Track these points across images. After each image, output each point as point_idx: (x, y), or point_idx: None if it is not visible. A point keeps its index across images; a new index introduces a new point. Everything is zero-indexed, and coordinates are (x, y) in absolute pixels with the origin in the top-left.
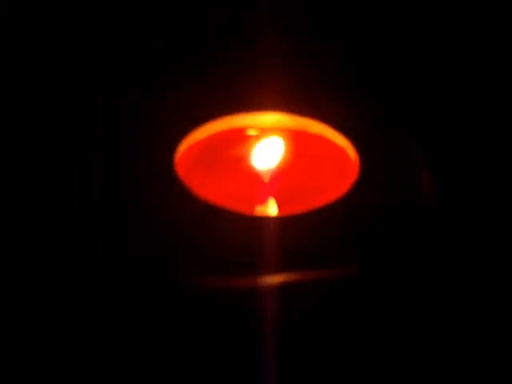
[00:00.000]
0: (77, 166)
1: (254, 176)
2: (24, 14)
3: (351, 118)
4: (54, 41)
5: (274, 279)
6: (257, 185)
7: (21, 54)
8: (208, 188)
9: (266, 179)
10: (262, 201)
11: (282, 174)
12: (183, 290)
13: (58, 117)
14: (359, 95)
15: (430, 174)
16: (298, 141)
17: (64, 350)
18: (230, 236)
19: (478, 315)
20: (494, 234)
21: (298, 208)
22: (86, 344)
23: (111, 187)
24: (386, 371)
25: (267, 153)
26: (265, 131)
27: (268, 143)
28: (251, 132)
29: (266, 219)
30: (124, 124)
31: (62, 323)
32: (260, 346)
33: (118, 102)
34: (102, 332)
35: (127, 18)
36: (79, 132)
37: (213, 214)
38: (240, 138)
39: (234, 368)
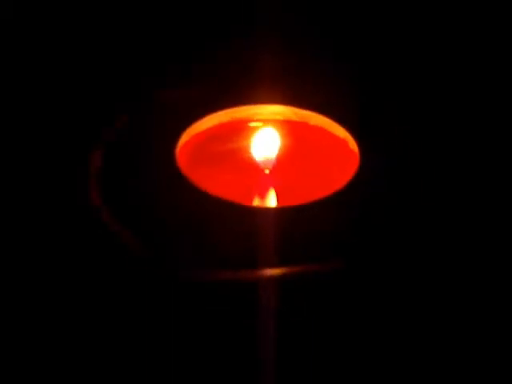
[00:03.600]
0: (77, 159)
1: (254, 168)
2: (24, 13)
3: (352, 110)
4: (54, 41)
5: (273, 271)
6: (257, 176)
7: (21, 53)
8: (209, 180)
9: (267, 171)
10: (262, 192)
11: (282, 165)
12: (183, 282)
13: (59, 114)
14: (360, 87)
15: (430, 168)
16: (298, 133)
17: (65, 349)
18: (230, 227)
19: (473, 314)
20: (493, 234)
21: (298, 200)
22: (86, 340)
23: (112, 180)
24: (380, 366)
25: (267, 145)
26: (265, 123)
27: (268, 135)
28: (252, 124)
29: (266, 210)
30: (125, 116)
31: (61, 321)
32: (258, 338)
33: (119, 93)
34: (103, 326)
35: (128, 18)
36: (80, 127)
37: (213, 206)
38: (240, 130)
39: (232, 361)
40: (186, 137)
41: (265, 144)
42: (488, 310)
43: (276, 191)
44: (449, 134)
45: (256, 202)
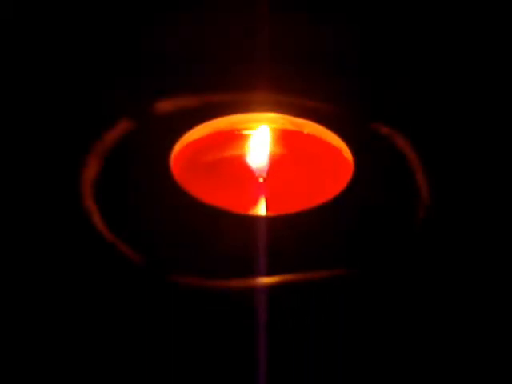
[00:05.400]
0: (74, 167)
1: (248, 176)
2: (24, 13)
3: (346, 118)
4: (54, 41)
5: (267, 279)
6: (252, 185)
7: (21, 54)
8: (203, 188)
9: (261, 179)
10: (257, 200)
11: (277, 174)
12: (177, 289)
13: (58, 117)
14: (355, 96)
15: (425, 175)
16: (293, 141)
17: (64, 353)
18: (225, 235)
19: (471, 317)
20: (491, 235)
21: (293, 208)
22: (85, 345)
23: (107, 188)
24: (380, 372)
25: (262, 153)
26: (260, 131)
27: (263, 143)
28: (246, 132)
29: (261, 219)
30: (120, 126)
31: (60, 326)
32: (252, 345)
33: (116, 103)
34: (101, 331)
35: (127, 18)
36: (76, 134)
37: (208, 214)
38: (235, 139)
39: (225, 368)
40: (180, 145)
41: (259, 152)
42: (489, 312)
43: (270, 199)
44: (445, 140)
45: (250, 211)
